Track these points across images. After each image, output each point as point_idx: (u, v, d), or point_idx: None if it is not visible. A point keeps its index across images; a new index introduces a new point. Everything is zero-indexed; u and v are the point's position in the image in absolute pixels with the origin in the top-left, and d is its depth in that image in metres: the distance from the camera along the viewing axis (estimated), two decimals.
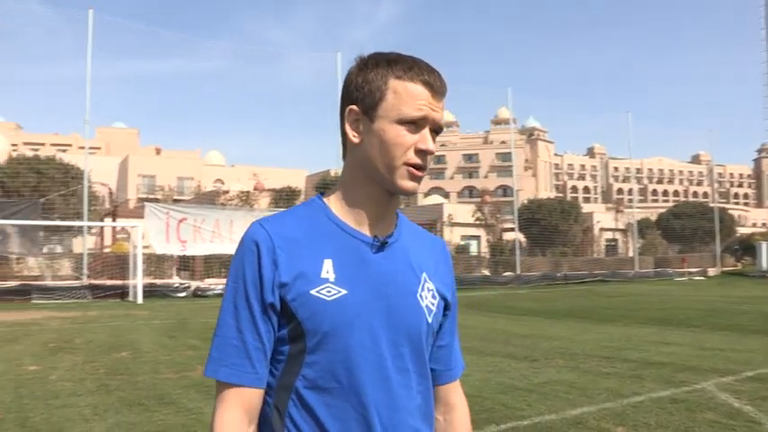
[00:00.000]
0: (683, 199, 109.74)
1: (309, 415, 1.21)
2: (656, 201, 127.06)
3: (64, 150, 63.73)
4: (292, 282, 1.21)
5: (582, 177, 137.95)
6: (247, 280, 1.22)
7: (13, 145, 69.99)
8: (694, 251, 44.70)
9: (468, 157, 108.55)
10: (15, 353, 9.68)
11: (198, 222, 23.51)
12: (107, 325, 13.42)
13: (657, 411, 5.80)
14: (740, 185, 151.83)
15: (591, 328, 12.75)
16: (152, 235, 22.95)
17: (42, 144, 75.67)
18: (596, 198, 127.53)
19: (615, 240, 47.35)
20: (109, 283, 21.91)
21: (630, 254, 42.61)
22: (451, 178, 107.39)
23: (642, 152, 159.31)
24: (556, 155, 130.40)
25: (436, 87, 1.25)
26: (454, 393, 1.46)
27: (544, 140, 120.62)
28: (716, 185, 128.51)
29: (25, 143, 75.48)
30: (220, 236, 23.59)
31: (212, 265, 25.13)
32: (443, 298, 1.37)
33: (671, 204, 69.33)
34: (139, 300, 19.80)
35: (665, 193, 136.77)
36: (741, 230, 57.95)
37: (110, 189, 42.00)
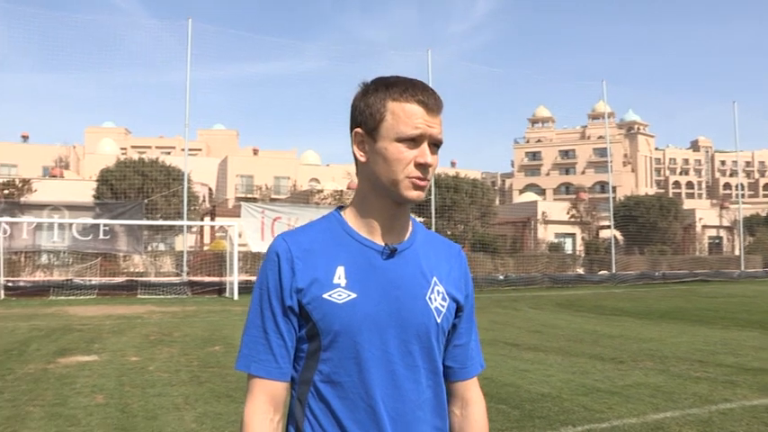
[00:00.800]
0: None
1: (325, 405, 1.36)
2: None
3: (168, 152, 66.89)
4: (307, 287, 1.36)
5: (685, 172, 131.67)
6: (270, 287, 1.39)
7: (123, 149, 74.19)
8: None
9: (565, 153, 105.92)
10: (120, 344, 10.34)
11: (292, 221, 24.17)
12: (204, 320, 14.06)
13: (749, 420, 5.55)
14: None
15: (686, 330, 12.24)
16: (248, 233, 23.83)
17: (149, 147, 79.60)
18: (701, 194, 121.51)
19: (720, 238, 45.00)
20: (207, 279, 22.87)
21: (736, 252, 40.40)
22: (547, 175, 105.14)
23: (753, 144, 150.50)
24: (657, 149, 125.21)
25: (431, 105, 1.36)
26: (471, 390, 1.56)
27: (644, 134, 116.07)
28: None
29: (133, 146, 79.69)
30: None
31: None
32: (455, 300, 1.48)
33: None
34: (236, 296, 20.57)
35: None
36: None
37: (209, 189, 43.78)
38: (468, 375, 1.55)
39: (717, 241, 44.76)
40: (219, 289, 22.23)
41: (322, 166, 76.75)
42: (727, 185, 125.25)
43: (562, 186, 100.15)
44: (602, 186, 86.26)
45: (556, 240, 39.11)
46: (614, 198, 41.26)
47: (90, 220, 23.95)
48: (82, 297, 20.38)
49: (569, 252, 37.88)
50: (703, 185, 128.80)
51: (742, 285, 29.75)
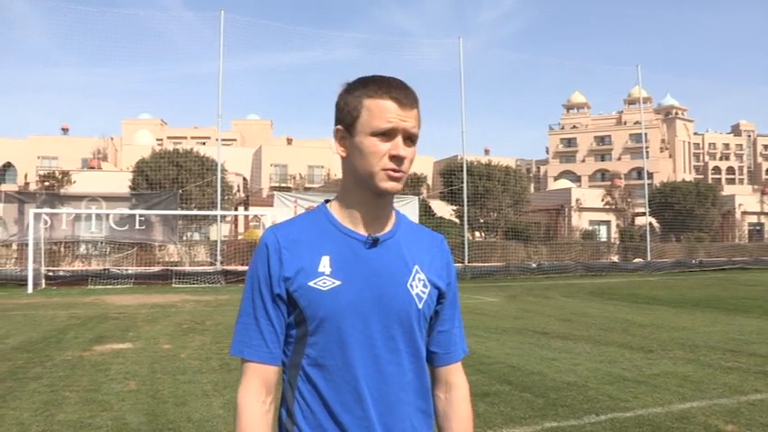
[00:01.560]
0: None
1: (313, 387, 1.44)
2: None
3: (203, 143, 67.64)
4: (294, 276, 1.44)
5: (726, 157, 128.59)
6: (260, 276, 1.48)
7: (158, 140, 75.23)
8: None
9: (601, 140, 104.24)
10: (154, 332, 10.57)
11: None
12: (236, 308, 14.23)
13: None
14: None
15: (720, 319, 12.05)
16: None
17: (184, 138, 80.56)
18: (742, 179, 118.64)
19: (761, 225, 43.96)
20: (240, 268, 23.16)
21: None
22: (583, 161, 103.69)
23: None
24: (696, 134, 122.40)
25: (403, 100, 1.43)
26: (455, 374, 1.62)
27: (682, 119, 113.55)
28: None
29: (169, 137, 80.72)
30: None
31: None
32: (436, 287, 1.54)
33: None
34: None
35: None
36: None
37: (244, 179, 44.19)
38: (452, 360, 1.62)
39: (758, 228, 43.74)
40: None
41: None
42: None
43: (598, 173, 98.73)
44: (639, 173, 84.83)
45: (590, 228, 38.65)
46: (650, 184, 40.58)
47: (126, 211, 24.45)
48: (119, 286, 20.87)
49: (604, 240, 37.44)
50: (745, 171, 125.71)
51: None
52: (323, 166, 66.52)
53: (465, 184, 28.15)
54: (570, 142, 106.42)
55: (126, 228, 24.21)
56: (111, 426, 5.14)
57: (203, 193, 26.12)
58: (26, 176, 40.87)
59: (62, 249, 23.95)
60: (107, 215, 24.12)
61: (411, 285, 1.48)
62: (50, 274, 21.44)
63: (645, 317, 12.54)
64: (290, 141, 77.38)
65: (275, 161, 66.54)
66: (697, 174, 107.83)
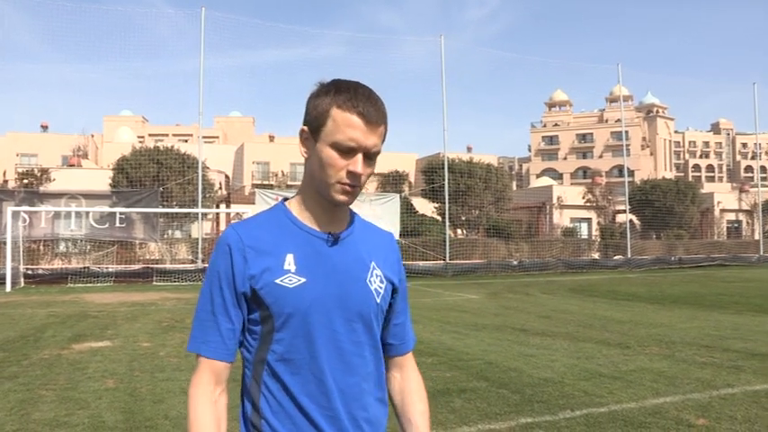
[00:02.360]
0: None
1: (279, 382, 1.48)
2: None
3: (185, 140, 67.28)
4: (260, 274, 1.47)
5: (705, 155, 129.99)
6: (221, 274, 1.50)
7: (140, 137, 74.69)
8: None
9: (582, 137, 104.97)
10: (133, 330, 10.52)
11: None
12: None
13: (748, 405, 5.56)
14: None
15: (697, 315, 12.21)
16: None
17: (166, 135, 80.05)
18: (721, 177, 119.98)
19: (739, 222, 44.51)
20: None
21: (756, 236, 40.00)
22: (564, 159, 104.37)
23: None
24: (676, 132, 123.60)
25: (370, 117, 1.44)
26: (408, 361, 1.73)
27: (663, 117, 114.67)
28: None
29: (150, 135, 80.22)
30: None
31: None
32: (391, 282, 1.62)
33: None
34: None
35: None
36: None
37: (226, 176, 43.98)
38: (407, 349, 1.72)
39: (736, 225, 44.29)
40: None
41: None
42: (748, 168, 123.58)
43: (579, 170, 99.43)
44: (620, 170, 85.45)
45: (571, 225, 38.93)
46: (631, 182, 40.94)
47: (106, 209, 24.23)
48: (99, 284, 20.71)
49: (584, 237, 37.71)
50: (724, 169, 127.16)
51: (761, 270, 29.51)
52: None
53: (447, 182, 28.22)
54: (552, 140, 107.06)
55: (106, 226, 24.02)
56: (87, 424, 5.13)
57: (184, 191, 25.97)
58: (5, 174, 40.35)
59: (41, 247, 23.70)
60: (87, 213, 23.91)
61: (370, 281, 1.54)
62: (29, 272, 21.23)
63: (624, 313, 12.68)
64: (272, 139, 77.13)
65: (257, 159, 66.26)
66: (677, 171, 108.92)
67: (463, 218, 31.99)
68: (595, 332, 10.11)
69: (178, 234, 26.79)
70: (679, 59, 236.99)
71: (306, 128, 1.51)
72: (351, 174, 1.44)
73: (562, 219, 39.27)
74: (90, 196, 25.09)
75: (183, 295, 17.20)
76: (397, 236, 24.55)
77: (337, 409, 1.47)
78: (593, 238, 36.67)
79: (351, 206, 1.57)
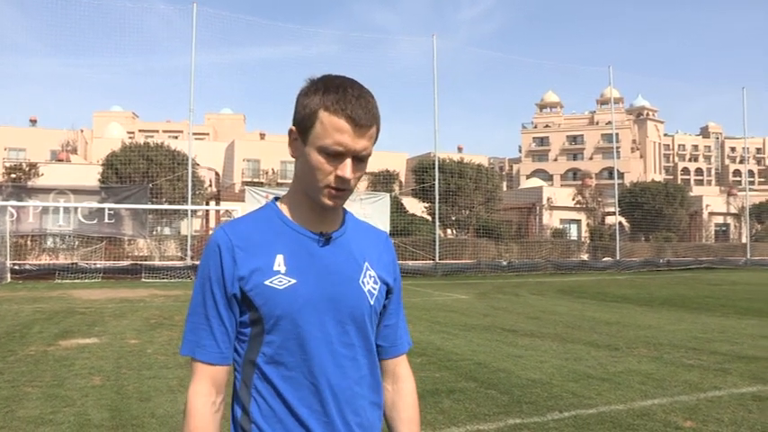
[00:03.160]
0: None
1: (270, 385, 1.44)
2: None
3: (176, 137, 66.90)
4: (249, 275, 1.43)
5: (695, 158, 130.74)
6: (212, 276, 1.45)
7: (130, 133, 74.27)
8: None
9: (573, 139, 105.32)
10: (121, 327, 10.46)
11: None
12: None
13: (735, 408, 5.59)
14: None
15: (685, 318, 12.26)
16: None
17: (156, 131, 79.59)
18: (710, 180, 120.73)
19: (727, 225, 44.80)
20: None
21: (743, 240, 40.27)
22: (555, 160, 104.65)
23: (765, 130, 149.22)
24: (666, 135, 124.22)
25: (359, 121, 1.39)
26: (401, 366, 1.66)
27: (654, 120, 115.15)
28: None
29: (140, 130, 79.76)
30: None
31: None
32: (385, 283, 1.57)
33: None
34: None
35: None
36: None
37: (216, 173, 43.80)
38: (398, 352, 1.66)
39: (724, 229, 44.57)
40: None
41: None
42: (737, 172, 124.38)
43: (569, 172, 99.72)
44: (610, 172, 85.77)
45: (561, 226, 39.07)
46: (621, 184, 41.12)
47: (95, 204, 24.09)
48: (87, 280, 20.58)
49: (574, 238, 37.85)
50: (713, 172, 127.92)
51: (747, 273, 29.70)
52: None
53: (437, 182, 28.23)
54: (543, 141, 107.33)
55: (95, 221, 23.87)
56: (73, 421, 5.08)
57: (174, 188, 25.85)
58: None
59: (29, 243, 23.52)
60: (76, 208, 23.75)
61: (363, 282, 1.51)
62: (16, 267, 21.07)
63: (612, 315, 12.72)
64: (263, 136, 76.90)
65: (248, 156, 66.06)
66: (667, 174, 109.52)
67: (453, 218, 32.03)
68: (584, 333, 10.14)
69: (167, 231, 26.67)
70: (669, 63, 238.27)
71: (294, 128, 1.47)
72: (339, 178, 1.41)
73: (552, 220, 39.40)
74: (79, 191, 24.91)
75: (172, 292, 17.11)
76: None
77: (330, 414, 1.44)
78: (583, 239, 36.82)
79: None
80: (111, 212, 23.95)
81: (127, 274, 21.50)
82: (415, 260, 25.98)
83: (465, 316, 12.44)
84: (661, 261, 32.33)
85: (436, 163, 28.80)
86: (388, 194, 28.79)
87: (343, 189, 1.42)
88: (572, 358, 7.92)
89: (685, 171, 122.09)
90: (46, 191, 24.73)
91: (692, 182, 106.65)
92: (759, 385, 6.50)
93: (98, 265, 21.84)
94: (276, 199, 1.57)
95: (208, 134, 78.43)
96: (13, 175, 27.45)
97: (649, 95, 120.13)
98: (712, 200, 46.31)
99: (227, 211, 28.84)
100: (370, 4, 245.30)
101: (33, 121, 70.42)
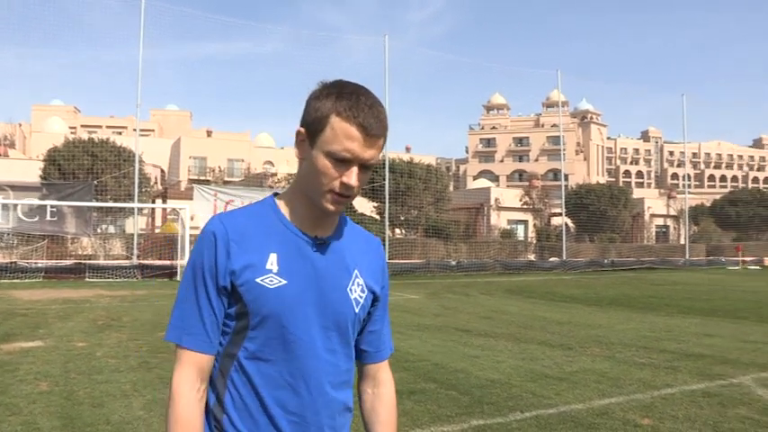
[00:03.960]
0: (742, 185, 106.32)
1: (247, 379, 1.44)
2: (713, 186, 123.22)
3: (119, 133, 65.32)
4: (241, 270, 1.43)
5: (635, 162, 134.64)
6: (204, 265, 1.45)
7: (72, 128, 72.14)
8: (750, 239, 43.36)
9: (519, 141, 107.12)
10: (67, 329, 10.10)
11: (245, 204, 23.94)
12: (153, 304, 13.84)
13: (687, 404, 5.74)
14: None
15: (633, 317, 12.57)
16: (200, 216, 23.48)
17: (99, 127, 77.66)
18: (650, 183, 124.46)
19: (666, 227, 46.25)
20: (158, 263, 22.50)
21: (682, 241, 41.63)
22: (501, 161, 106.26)
23: (700, 135, 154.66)
24: (609, 138, 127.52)
25: (371, 130, 1.39)
26: (383, 371, 1.69)
27: (597, 123, 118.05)
28: None
29: (83, 126, 77.63)
30: None
31: None
32: (372, 292, 1.59)
33: (728, 190, 67.07)
34: None
35: (724, 178, 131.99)
36: None
37: (162, 171, 42.91)
38: (381, 358, 1.68)
39: (664, 230, 46.02)
40: (171, 272, 21.90)
41: (276, 149, 76.01)
42: (675, 176, 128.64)
43: (516, 173, 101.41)
44: (555, 174, 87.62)
45: (508, 227, 39.65)
46: (566, 186, 42.01)
47: (36, 201, 23.28)
48: (27, 280, 19.85)
49: (521, 239, 38.46)
50: (652, 175, 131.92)
51: (686, 273, 30.69)
52: (243, 160, 65.47)
53: (387, 181, 28.28)
54: (489, 142, 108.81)
55: (36, 219, 23.02)
56: (20, 431, 4.86)
57: (120, 185, 25.19)
58: None
59: None
60: (15, 205, 22.87)
61: (350, 290, 1.52)
62: None
63: (562, 315, 12.94)
64: (209, 134, 75.82)
65: (194, 153, 65.04)
66: (609, 177, 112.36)
67: (402, 218, 32.15)
68: (537, 333, 10.28)
69: (112, 229, 25.97)
70: (612, 68, 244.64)
71: (303, 129, 1.46)
72: (344, 185, 1.41)
73: (499, 220, 39.96)
74: (18, 188, 24.05)
75: (118, 292, 16.65)
76: None
77: (303, 416, 1.45)
78: (530, 239, 37.44)
79: None
80: (54, 210, 23.13)
81: (70, 273, 20.82)
82: None
83: (417, 316, 12.47)
84: (606, 261, 33.13)
85: (386, 163, 28.84)
86: None
87: (346, 195, 1.42)
88: (528, 358, 8.01)
89: (627, 174, 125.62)
90: None
91: (633, 184, 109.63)
92: (707, 382, 6.70)
93: (39, 265, 21.09)
94: (275, 194, 1.55)
95: (153, 130, 76.77)
96: None
97: (593, 99, 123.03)
98: (653, 202, 47.81)
99: (173, 209, 28.28)
100: (320, 3, 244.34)
101: None
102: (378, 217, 30.84)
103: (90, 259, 22.60)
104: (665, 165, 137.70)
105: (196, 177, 55.53)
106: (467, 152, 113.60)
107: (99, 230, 24.91)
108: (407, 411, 5.42)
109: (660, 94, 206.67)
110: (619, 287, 20.91)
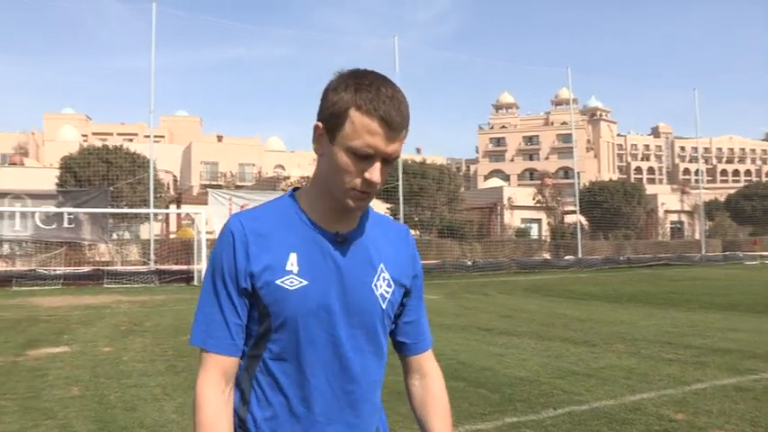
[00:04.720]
0: (755, 179, 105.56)
1: (272, 379, 1.43)
2: (725, 181, 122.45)
3: (130, 140, 65.72)
4: (260, 272, 1.40)
5: (646, 158, 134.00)
6: (224, 267, 1.42)
7: (84, 135, 72.66)
8: (767, 233, 43.02)
9: (529, 139, 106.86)
10: (91, 335, 10.17)
11: None
12: (173, 309, 13.91)
13: (720, 399, 5.70)
14: None
15: (653, 313, 12.51)
16: (215, 221, 23.61)
17: (110, 134, 78.14)
18: (661, 179, 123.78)
19: (681, 223, 45.97)
20: (175, 268, 22.61)
21: (697, 236, 41.37)
22: (512, 161, 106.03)
23: (711, 130, 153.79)
24: (619, 135, 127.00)
25: (393, 123, 1.33)
26: (428, 362, 1.65)
27: (607, 120, 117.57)
28: None
29: (94, 133, 78.20)
30: None
31: None
32: (401, 285, 1.54)
33: (742, 185, 66.60)
34: None
35: (736, 173, 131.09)
36: None
37: (174, 176, 43.11)
38: (422, 349, 1.63)
39: (678, 226, 45.72)
40: (188, 277, 21.99)
41: (287, 153, 76.24)
42: (686, 171, 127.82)
43: (526, 172, 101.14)
44: (566, 172, 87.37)
45: (522, 226, 39.55)
46: (579, 184, 41.85)
47: (53, 209, 23.46)
48: (46, 287, 20.01)
49: (535, 237, 38.35)
50: (664, 171, 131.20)
51: (703, 269, 30.50)
52: (254, 164, 65.68)
53: (400, 183, 28.29)
54: (499, 142, 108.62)
55: (53, 226, 23.19)
56: None
57: (134, 191, 25.34)
58: None
59: None
60: (33, 213, 23.04)
61: (376, 285, 1.47)
62: None
63: (582, 312, 12.90)
64: (220, 139, 76.09)
65: (205, 159, 65.32)
66: (620, 173, 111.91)
67: (416, 219, 32.14)
68: (559, 330, 10.24)
69: (128, 235, 26.12)
70: (621, 64, 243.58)
71: (321, 124, 1.39)
72: (366, 182, 1.35)
73: (513, 219, 39.87)
74: (36, 196, 24.22)
75: (137, 298, 16.75)
76: None
77: (329, 416, 1.43)
78: (544, 238, 37.32)
79: None
80: (71, 217, 23.32)
81: (88, 279, 20.97)
82: None
83: (439, 316, 12.45)
84: (621, 258, 32.98)
85: (399, 164, 28.85)
86: None
87: (369, 192, 1.38)
88: (553, 355, 7.99)
89: (638, 170, 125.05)
90: (0, 195, 23.96)
91: (645, 180, 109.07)
92: (738, 376, 6.65)
93: (58, 272, 21.25)
94: (294, 190, 1.52)
95: (163, 136, 77.16)
96: None
97: (602, 96, 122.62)
98: (666, 198, 47.52)
99: (187, 214, 28.42)
100: (327, 5, 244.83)
101: None
102: (392, 218, 30.83)
103: (107, 265, 22.76)
104: (677, 160, 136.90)
105: (208, 182, 55.70)
106: (477, 152, 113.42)
107: (115, 236, 25.06)
108: None
109: (669, 89, 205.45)
110: (637, 284, 20.80)
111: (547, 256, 33.16)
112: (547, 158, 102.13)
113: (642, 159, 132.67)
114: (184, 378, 6.81)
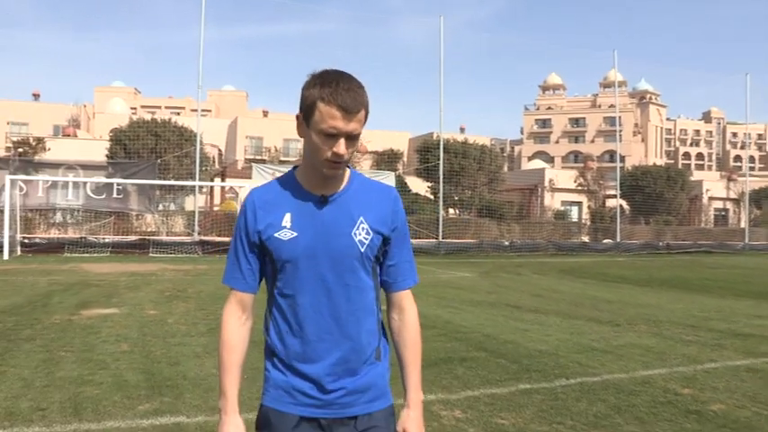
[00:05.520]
0: None
1: (279, 311, 1.90)
2: None
3: (178, 113, 66.89)
4: (265, 228, 1.88)
5: (696, 143, 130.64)
6: (241, 228, 1.94)
7: (132, 108, 74.27)
8: None
9: (575, 122, 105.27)
10: (138, 299, 10.80)
11: None
12: (215, 278, 14.48)
13: (729, 378, 5.93)
14: None
15: (683, 298, 12.62)
16: None
17: (158, 107, 79.60)
18: (711, 165, 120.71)
19: (726, 210, 45.11)
20: (217, 239, 23.31)
21: (742, 225, 40.60)
22: (557, 142, 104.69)
23: (767, 116, 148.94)
24: (668, 119, 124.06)
25: (349, 108, 1.75)
26: (405, 299, 2.02)
27: (656, 104, 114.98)
28: None
29: (143, 106, 79.78)
30: None
31: None
32: (379, 233, 1.92)
33: None
34: None
35: None
36: None
37: (219, 150, 43.97)
38: (401, 288, 2.01)
39: (723, 213, 44.88)
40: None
41: None
42: (738, 158, 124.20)
43: (571, 155, 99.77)
44: (612, 155, 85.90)
45: (562, 208, 39.38)
46: (622, 168, 41.36)
47: (103, 179, 24.36)
48: (95, 255, 20.92)
49: (575, 220, 38.17)
50: (713, 157, 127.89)
51: (745, 257, 30.09)
52: (298, 140, 66.10)
53: (441, 162, 28.48)
54: (545, 123, 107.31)
55: (103, 196, 24.12)
56: (111, 382, 5.42)
57: (181, 164, 26.11)
58: None
59: (37, 217, 23.83)
60: (84, 183, 24.01)
61: (354, 233, 1.87)
62: (26, 241, 21.40)
63: (613, 294, 13.08)
64: (265, 114, 76.84)
65: (250, 133, 66.03)
66: (668, 159, 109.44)
67: (456, 198, 32.33)
68: (586, 310, 10.49)
69: (173, 207, 26.95)
70: (673, 48, 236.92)
71: (300, 115, 1.83)
72: (335, 154, 1.77)
73: (553, 201, 39.72)
74: (87, 167, 25.14)
75: (182, 267, 17.47)
76: None
77: (324, 338, 1.84)
78: (583, 221, 37.13)
79: (355, 171, 1.99)
80: (120, 188, 24.21)
81: (135, 248, 21.84)
82: (419, 239, 26.28)
83: (470, 293, 12.79)
84: (660, 244, 32.67)
85: (441, 143, 29.03)
86: (393, 173, 29.05)
87: (339, 162, 1.80)
88: (576, 332, 8.27)
89: (686, 156, 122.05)
90: (55, 165, 24.96)
91: (693, 166, 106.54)
92: (752, 359, 6.85)
93: (107, 240, 22.19)
94: (296, 167, 1.97)
95: (210, 111, 78.32)
96: (20, 150, 27.69)
97: (652, 80, 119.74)
98: (712, 185, 46.60)
99: (231, 187, 29.14)
100: None
101: (36, 96, 70.43)
102: (432, 197, 31.10)
103: (153, 235, 23.62)
104: (728, 146, 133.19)
105: (252, 157, 56.59)
106: (521, 133, 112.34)
107: (161, 208, 25.89)
108: (459, 376, 5.79)
109: (722, 73, 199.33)
110: (673, 270, 20.75)
111: (585, 239, 33.04)
112: (593, 141, 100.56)
113: (691, 145, 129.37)
114: None
